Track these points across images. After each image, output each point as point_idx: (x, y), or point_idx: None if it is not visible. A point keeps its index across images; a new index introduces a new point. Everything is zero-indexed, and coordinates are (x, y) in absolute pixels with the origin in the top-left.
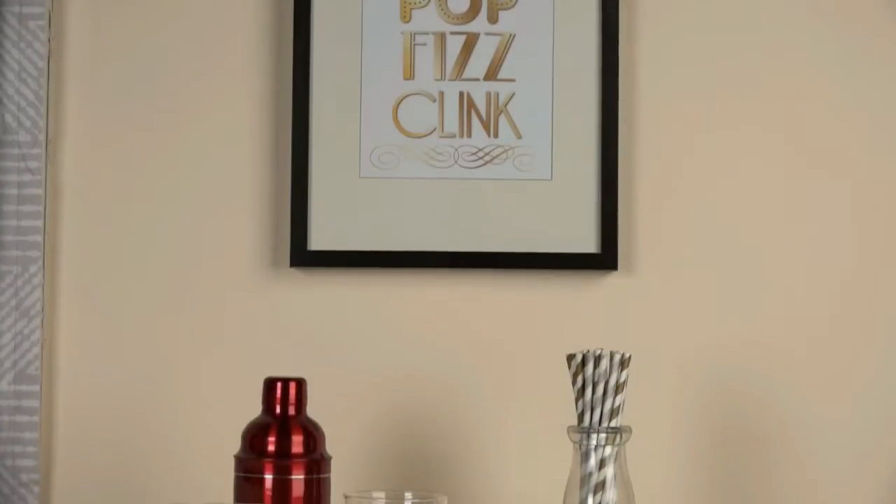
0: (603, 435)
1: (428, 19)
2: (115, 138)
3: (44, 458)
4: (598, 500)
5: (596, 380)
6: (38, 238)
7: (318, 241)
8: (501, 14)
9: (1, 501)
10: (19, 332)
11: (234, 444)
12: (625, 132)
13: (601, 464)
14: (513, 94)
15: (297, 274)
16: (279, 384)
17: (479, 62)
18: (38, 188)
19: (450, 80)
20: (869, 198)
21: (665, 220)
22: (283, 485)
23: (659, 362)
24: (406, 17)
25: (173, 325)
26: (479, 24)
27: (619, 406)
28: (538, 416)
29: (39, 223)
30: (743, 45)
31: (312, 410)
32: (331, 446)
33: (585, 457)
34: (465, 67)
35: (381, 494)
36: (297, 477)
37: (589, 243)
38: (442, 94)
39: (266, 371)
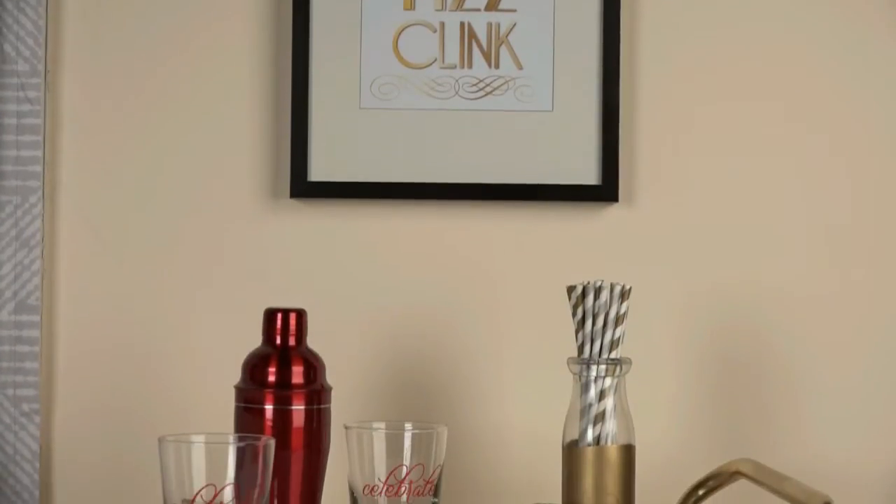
0: (603, 366)
1: None
2: (115, 68)
3: (44, 389)
4: (597, 432)
5: (596, 311)
6: (38, 168)
7: (318, 172)
8: None
9: (2, 431)
10: (19, 262)
11: (235, 375)
12: (627, 63)
13: (601, 395)
14: (514, 25)
15: (297, 205)
16: (279, 315)
17: None
18: (37, 118)
19: (450, 10)
20: (870, 136)
21: (666, 152)
22: (283, 415)
23: (659, 295)
24: None
25: (173, 256)
26: None
27: (619, 338)
28: (538, 347)
29: (39, 153)
30: None
31: (312, 341)
32: (331, 377)
33: (585, 388)
34: None
35: (382, 425)
36: (298, 407)
37: (590, 175)
38: (443, 24)
39: (266, 302)
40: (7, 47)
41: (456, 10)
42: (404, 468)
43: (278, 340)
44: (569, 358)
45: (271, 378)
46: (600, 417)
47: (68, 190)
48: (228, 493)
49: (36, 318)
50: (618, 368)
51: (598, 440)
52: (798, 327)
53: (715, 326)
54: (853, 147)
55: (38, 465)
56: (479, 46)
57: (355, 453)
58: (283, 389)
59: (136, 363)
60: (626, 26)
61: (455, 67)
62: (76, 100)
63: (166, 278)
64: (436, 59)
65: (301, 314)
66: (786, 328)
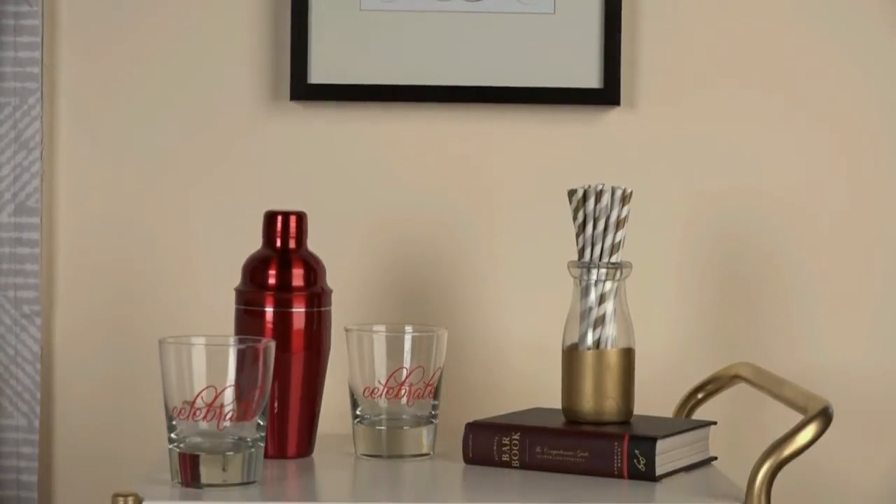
0: (603, 270)
1: None
2: None
3: (45, 291)
4: (597, 335)
5: (597, 215)
6: (36, 70)
7: (319, 74)
8: None
9: (3, 332)
10: (18, 164)
11: (235, 278)
12: None
13: (601, 299)
14: None
15: (297, 108)
16: (279, 217)
17: None
18: (35, 19)
19: None
20: (875, 41)
21: (669, 56)
22: (283, 317)
23: (660, 199)
24: None
25: (172, 158)
26: None
27: (619, 241)
28: (538, 251)
29: (37, 55)
30: None
31: (313, 244)
32: (331, 280)
33: (585, 292)
34: None
35: (382, 327)
36: (298, 310)
37: (591, 78)
38: None
39: (266, 205)
40: None
41: None
42: (404, 371)
43: (278, 243)
44: (569, 262)
45: (271, 280)
46: (600, 321)
47: (67, 93)
48: (229, 394)
49: (36, 220)
50: (618, 272)
51: (597, 344)
52: (799, 234)
53: (716, 231)
54: (860, 56)
55: (38, 366)
56: None
57: (356, 356)
58: (284, 292)
59: (136, 265)
60: None
61: None
62: (74, 2)
63: (166, 181)
64: None
65: (301, 217)
66: (787, 234)
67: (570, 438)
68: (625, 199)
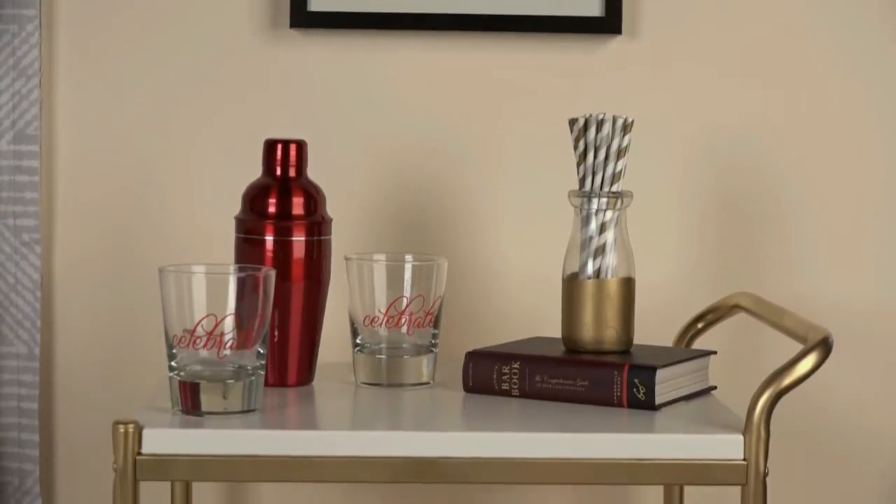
0: (604, 199)
1: None
2: None
3: (45, 219)
4: (598, 265)
5: (598, 144)
6: None
7: (319, 1)
8: None
9: (2, 260)
10: (17, 91)
11: (235, 206)
12: None
13: (602, 228)
14: None
15: (297, 35)
16: (279, 146)
17: None
18: None
19: None
20: None
21: None
22: (283, 246)
23: (662, 129)
24: None
25: (172, 87)
26: None
27: (620, 171)
28: (539, 181)
29: None
30: None
31: (313, 173)
32: (331, 209)
33: (586, 221)
34: None
35: (382, 256)
36: (298, 238)
37: (592, 6)
38: None
39: (266, 133)
40: None
41: None
42: (405, 299)
43: (278, 171)
44: (570, 191)
45: (271, 209)
46: (601, 250)
47: (66, 21)
48: (229, 323)
49: (35, 147)
50: (619, 201)
51: (598, 273)
52: (801, 165)
53: (717, 161)
54: None
55: (38, 294)
56: None
57: (356, 285)
58: (284, 220)
59: (136, 194)
60: None
61: None
62: None
63: (165, 110)
64: None
65: (301, 145)
66: (789, 165)
67: (570, 367)
68: (626, 128)
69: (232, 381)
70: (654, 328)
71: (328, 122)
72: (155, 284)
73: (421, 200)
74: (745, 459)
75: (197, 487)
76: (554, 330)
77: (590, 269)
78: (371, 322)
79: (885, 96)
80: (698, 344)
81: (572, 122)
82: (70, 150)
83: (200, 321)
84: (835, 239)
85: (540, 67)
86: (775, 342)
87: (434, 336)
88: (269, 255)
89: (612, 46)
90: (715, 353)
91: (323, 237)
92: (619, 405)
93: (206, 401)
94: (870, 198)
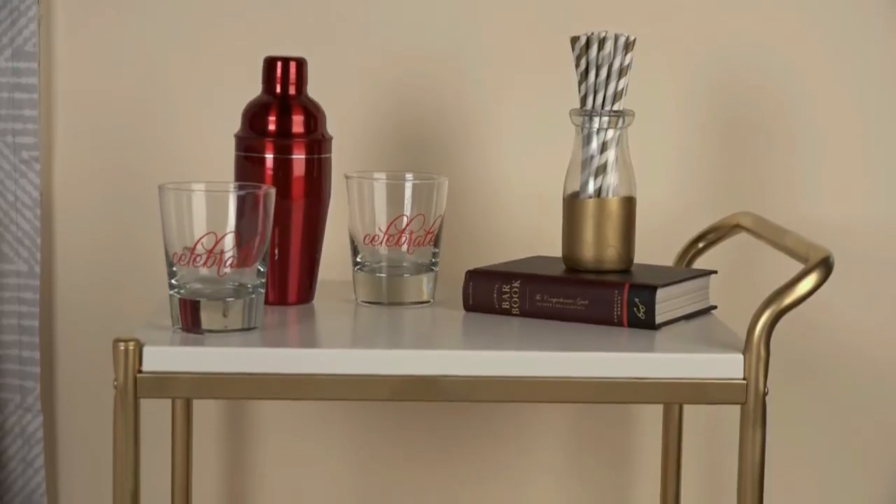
0: (605, 118)
1: None
2: None
3: (44, 136)
4: (598, 184)
5: (599, 62)
6: None
7: None
8: None
9: (2, 178)
10: (15, 7)
11: (235, 124)
12: None
13: (603, 147)
14: None
15: None
16: (279, 63)
17: None
18: None
19: None
20: None
21: None
22: (283, 164)
23: (663, 47)
24: None
25: (171, 3)
26: None
27: (622, 89)
28: (540, 99)
29: None
30: None
31: (313, 90)
32: (331, 127)
33: (587, 140)
34: None
35: (382, 175)
36: (298, 156)
37: None
38: None
39: (266, 51)
40: None
41: None
42: (405, 218)
43: (278, 89)
44: (571, 109)
45: (271, 127)
46: (602, 169)
47: None
48: (229, 241)
49: (33, 65)
50: (620, 120)
51: (599, 192)
52: (804, 83)
53: (721, 80)
54: None
55: (38, 212)
56: None
57: (356, 203)
58: (284, 138)
59: (135, 111)
60: None
61: None
62: None
63: (164, 27)
64: None
65: (301, 63)
66: (792, 84)
67: (571, 286)
68: (628, 46)
69: (232, 299)
70: (655, 248)
71: (328, 39)
72: (155, 202)
73: (422, 119)
74: (744, 379)
75: (197, 405)
76: (554, 249)
77: (591, 188)
78: (371, 241)
79: (892, 17)
80: (699, 264)
81: (574, 39)
82: (69, 67)
83: (200, 239)
84: (840, 159)
85: None
86: (777, 262)
87: (434, 255)
88: (269, 173)
89: None
90: (715, 272)
91: (323, 155)
92: (619, 324)
93: (207, 319)
94: (877, 117)
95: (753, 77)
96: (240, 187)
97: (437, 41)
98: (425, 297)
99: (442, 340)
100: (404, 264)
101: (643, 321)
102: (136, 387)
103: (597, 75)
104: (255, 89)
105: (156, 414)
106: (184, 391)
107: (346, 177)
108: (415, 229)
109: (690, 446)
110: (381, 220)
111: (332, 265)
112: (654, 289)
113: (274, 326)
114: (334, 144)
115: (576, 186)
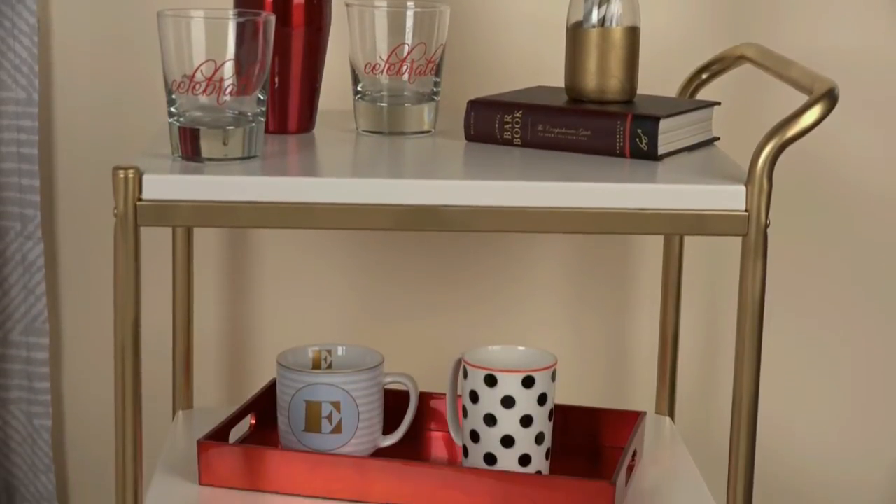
0: None
1: None
2: None
3: (43, 41)
4: (602, 13)
5: None
6: None
7: None
8: None
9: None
10: None
11: None
12: None
13: None
14: None
15: None
16: None
17: None
18: None
19: None
20: None
21: None
22: None
23: None
24: None
25: None
26: None
27: None
28: None
29: None
30: None
31: None
32: None
33: None
34: None
35: (383, 3)
36: None
37: None
38: None
39: None
40: None
41: None
42: (406, 47)
43: None
44: None
45: None
46: None
47: None
48: (228, 68)
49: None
50: None
51: (602, 21)
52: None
53: None
54: None
55: (36, 39)
56: None
57: (357, 32)
58: None
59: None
60: None
61: None
62: None
63: None
64: None
65: None
66: None
67: (573, 117)
68: None
69: (232, 127)
70: (658, 78)
71: None
72: (154, 28)
73: None
74: (746, 210)
75: (198, 233)
76: (557, 77)
77: (594, 17)
78: (372, 69)
79: None
80: (702, 95)
81: None
82: None
83: (199, 67)
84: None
85: None
86: (780, 94)
87: (436, 84)
88: (269, 0)
89: None
90: (719, 104)
91: None
92: (622, 155)
93: (207, 147)
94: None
95: None
96: (239, 14)
97: None
98: (426, 127)
99: (443, 170)
100: (405, 93)
101: (645, 152)
102: (137, 215)
103: None
104: None
105: (157, 241)
106: (184, 219)
107: (347, 4)
108: (416, 58)
109: (690, 279)
110: (382, 49)
111: (332, 94)
112: (656, 119)
113: (274, 155)
114: None
115: (579, 15)
